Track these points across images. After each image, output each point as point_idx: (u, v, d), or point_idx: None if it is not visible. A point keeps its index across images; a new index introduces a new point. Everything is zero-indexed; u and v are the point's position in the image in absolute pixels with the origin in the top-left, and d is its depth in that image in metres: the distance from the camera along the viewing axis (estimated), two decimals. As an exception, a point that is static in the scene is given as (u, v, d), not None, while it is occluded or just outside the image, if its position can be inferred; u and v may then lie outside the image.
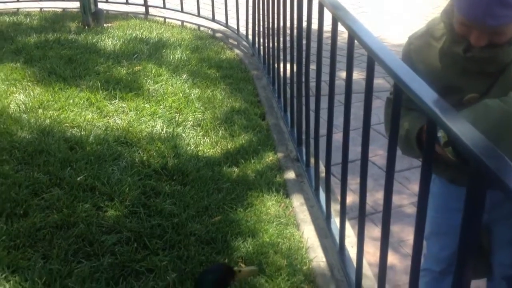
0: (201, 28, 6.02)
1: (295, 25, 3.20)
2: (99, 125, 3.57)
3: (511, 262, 1.91)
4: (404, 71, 1.56)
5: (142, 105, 3.92)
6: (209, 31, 5.93)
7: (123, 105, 3.91)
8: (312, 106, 2.87)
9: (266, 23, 4.23)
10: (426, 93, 1.41)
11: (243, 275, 1.90)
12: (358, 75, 4.31)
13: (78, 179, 2.91)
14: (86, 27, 5.67)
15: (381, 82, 4.54)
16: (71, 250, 2.41)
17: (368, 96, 1.91)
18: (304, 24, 3.10)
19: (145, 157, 3.23)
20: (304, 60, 3.07)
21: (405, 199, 3.20)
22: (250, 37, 5.21)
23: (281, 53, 3.73)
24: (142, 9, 6.50)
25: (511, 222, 1.82)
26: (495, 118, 1.47)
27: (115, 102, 3.93)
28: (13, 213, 2.61)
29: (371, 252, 2.65)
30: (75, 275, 2.26)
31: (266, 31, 4.27)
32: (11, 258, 2.32)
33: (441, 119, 1.29)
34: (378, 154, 3.59)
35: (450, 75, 1.68)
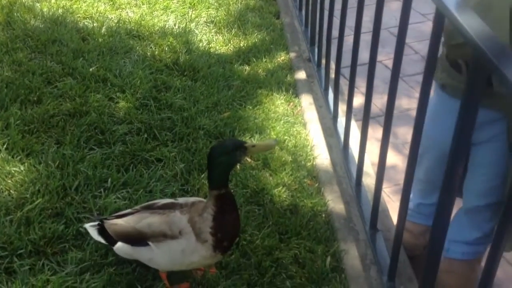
0: None
1: None
2: (111, 17, 3.55)
3: (479, 189, 1.91)
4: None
5: (155, -2, 3.86)
6: None
7: (136, -2, 3.86)
8: (327, 5, 2.81)
9: None
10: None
11: (257, 151, 1.81)
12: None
13: (91, 69, 2.94)
14: None
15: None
16: (83, 137, 2.49)
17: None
18: None
19: (156, 52, 3.24)
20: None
21: (414, 103, 3.19)
22: None
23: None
24: None
25: (491, 146, 1.82)
26: None
27: (128, -5, 3.87)
28: (27, 99, 2.68)
29: (376, 153, 2.69)
30: (87, 160, 2.35)
31: None
32: (25, 142, 2.41)
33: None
34: (391, 58, 3.54)
35: None
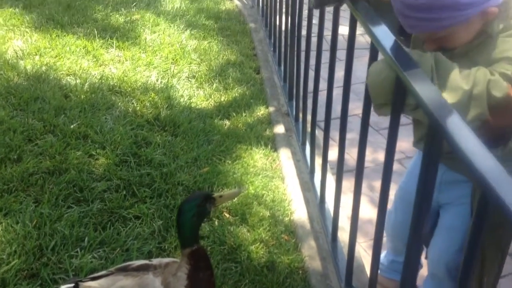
0: (202, -23, 5.95)
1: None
2: (95, 74, 3.62)
3: (439, 254, 1.88)
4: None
5: (138, 54, 3.95)
6: (210, -19, 5.87)
7: (119, 54, 3.95)
8: (312, 61, 2.89)
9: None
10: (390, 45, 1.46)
11: (224, 200, 1.84)
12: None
13: (72, 126, 2.98)
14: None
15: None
16: (62, 195, 2.50)
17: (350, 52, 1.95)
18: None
19: (138, 107, 3.29)
20: (297, 14, 3.06)
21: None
22: (250, -12, 5.17)
23: (278, 6, 3.72)
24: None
25: (455, 209, 1.81)
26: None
27: (111, 51, 3.96)
28: (7, 157, 2.70)
29: (351, 207, 2.73)
30: (64, 219, 2.36)
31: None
32: (4, 201, 2.42)
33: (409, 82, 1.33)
34: (369, 111, 3.62)
35: None
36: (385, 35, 1.56)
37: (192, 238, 1.67)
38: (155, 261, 1.81)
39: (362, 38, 4.60)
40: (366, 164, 3.20)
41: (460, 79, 1.36)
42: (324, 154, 2.41)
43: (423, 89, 1.28)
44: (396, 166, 3.18)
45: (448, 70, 1.38)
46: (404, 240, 1.76)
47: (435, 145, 1.26)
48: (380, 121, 3.46)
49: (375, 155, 3.21)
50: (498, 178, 0.99)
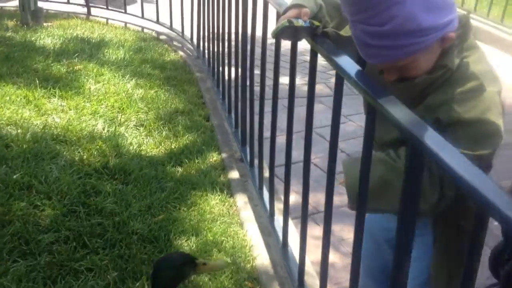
0: (145, 30, 5.94)
1: (240, 30, 3.21)
2: (37, 123, 3.45)
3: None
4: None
5: (83, 104, 3.82)
6: (153, 33, 5.86)
7: (62, 103, 3.80)
8: (256, 109, 2.90)
9: (210, 26, 4.22)
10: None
11: (208, 270, 1.73)
12: (300, 81, 4.39)
13: (14, 176, 2.80)
14: (25, 26, 5.47)
15: (322, 87, 4.63)
16: (6, 248, 2.31)
17: (310, 99, 1.95)
18: (250, 29, 3.10)
19: (85, 156, 3.15)
20: (248, 64, 3.07)
21: (346, 200, 3.25)
22: (195, 39, 5.19)
23: (226, 57, 3.73)
24: (84, 9, 6.35)
25: (418, 240, 1.78)
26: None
27: (54, 101, 3.82)
28: None
29: (312, 251, 2.67)
30: (10, 274, 2.16)
31: (210, 35, 4.27)
32: None
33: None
34: (319, 157, 3.63)
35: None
36: (350, 65, 1.56)
37: None
38: None
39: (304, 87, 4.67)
40: (322, 208, 3.18)
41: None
42: (286, 198, 2.36)
43: (398, 111, 1.27)
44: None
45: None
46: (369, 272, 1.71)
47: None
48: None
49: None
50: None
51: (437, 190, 1.41)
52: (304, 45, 1.95)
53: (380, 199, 1.50)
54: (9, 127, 3.36)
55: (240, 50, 3.26)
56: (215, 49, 4.07)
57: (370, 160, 1.48)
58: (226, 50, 3.72)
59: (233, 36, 3.47)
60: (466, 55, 1.47)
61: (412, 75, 1.45)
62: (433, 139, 1.15)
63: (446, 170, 1.07)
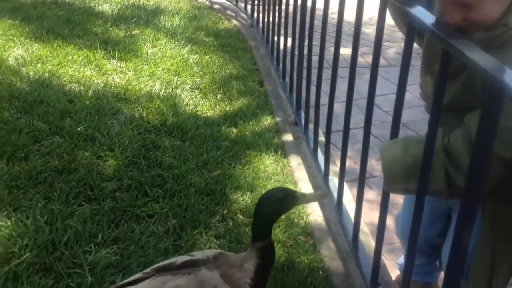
0: (199, -1, 6.01)
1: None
2: (98, 82, 3.57)
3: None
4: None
5: (141, 66, 3.92)
6: (207, 2, 5.92)
7: (121, 65, 3.91)
8: (313, 78, 2.91)
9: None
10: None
11: (307, 201, 1.78)
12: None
13: (78, 129, 2.91)
14: (83, -8, 5.62)
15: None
16: (72, 193, 2.43)
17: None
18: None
19: (144, 114, 3.24)
20: (307, 34, 3.06)
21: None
22: (249, 9, 5.21)
23: (282, 27, 3.74)
24: (139, -22, 6.45)
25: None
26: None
27: (113, 62, 3.93)
28: (14, 156, 2.61)
29: (365, 213, 2.70)
30: (76, 216, 2.28)
31: (265, 3, 4.28)
32: (12, 197, 2.33)
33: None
34: (373, 124, 3.62)
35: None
36: (422, 13, 1.56)
37: (265, 232, 1.60)
38: (199, 255, 1.65)
39: (361, 58, 4.67)
40: (375, 173, 3.18)
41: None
42: (343, 158, 2.37)
43: (475, 55, 1.27)
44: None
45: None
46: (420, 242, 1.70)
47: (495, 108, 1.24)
48: (384, 133, 3.47)
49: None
50: None
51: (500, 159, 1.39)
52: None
53: (410, 179, 1.50)
54: (72, 84, 3.49)
55: (298, 21, 3.26)
56: (270, 18, 4.09)
57: (435, 135, 1.48)
58: (282, 20, 3.73)
59: (290, 7, 3.48)
60: None
61: (476, 19, 1.41)
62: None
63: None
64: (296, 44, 3.30)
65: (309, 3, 3.01)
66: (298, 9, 3.23)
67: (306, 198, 1.68)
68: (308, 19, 2.98)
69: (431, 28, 1.46)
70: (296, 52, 3.29)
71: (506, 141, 1.35)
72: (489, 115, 1.25)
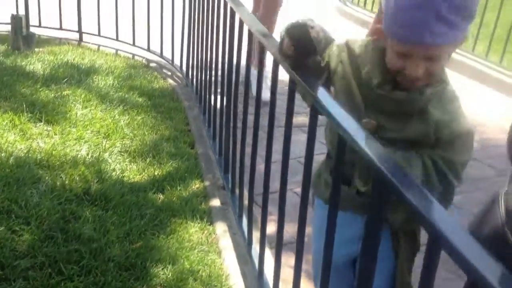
0: (136, 57, 5.99)
1: (226, 60, 3.26)
2: (21, 148, 3.47)
3: None
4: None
5: (69, 129, 3.84)
6: (144, 61, 5.92)
7: (48, 128, 3.82)
8: (240, 136, 2.92)
9: (199, 55, 4.28)
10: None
11: None
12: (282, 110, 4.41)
13: (-6, 201, 2.80)
14: (16, 51, 5.52)
15: (304, 117, 4.66)
16: (-21, 274, 2.30)
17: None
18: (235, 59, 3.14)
19: (67, 181, 3.15)
20: (233, 92, 3.11)
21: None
22: (184, 67, 5.24)
23: (212, 85, 3.77)
24: (76, 36, 6.40)
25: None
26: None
27: (40, 125, 3.84)
28: None
29: (290, 281, 2.67)
30: (-19, 300, 2.16)
31: (199, 63, 4.32)
32: None
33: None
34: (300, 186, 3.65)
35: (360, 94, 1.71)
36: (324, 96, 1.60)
37: None
38: None
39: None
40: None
41: None
42: (263, 227, 2.37)
43: (366, 144, 1.31)
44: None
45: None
46: None
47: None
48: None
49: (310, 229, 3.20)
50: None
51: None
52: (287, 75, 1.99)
53: None
54: (-8, 151, 3.38)
55: (226, 79, 3.30)
56: (203, 77, 4.12)
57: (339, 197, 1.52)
58: (213, 78, 3.77)
59: (220, 65, 3.52)
60: None
61: (435, 71, 1.51)
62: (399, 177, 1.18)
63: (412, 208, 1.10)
64: (225, 105, 3.31)
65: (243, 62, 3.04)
66: (227, 68, 3.26)
67: None
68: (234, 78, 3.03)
69: (331, 115, 1.50)
70: (226, 112, 3.30)
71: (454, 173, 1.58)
72: (378, 205, 1.27)
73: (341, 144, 1.49)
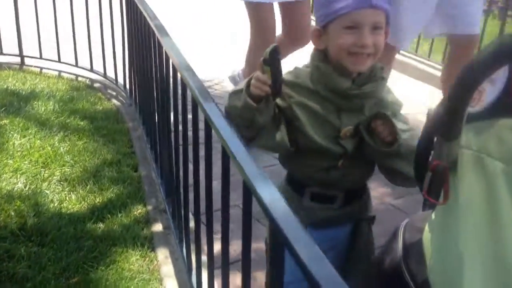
0: (79, 78, 5.86)
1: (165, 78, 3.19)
2: (-47, 186, 3.34)
3: None
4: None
5: (5, 161, 3.72)
6: (87, 81, 5.80)
7: (-17, 162, 3.70)
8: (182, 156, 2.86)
9: (140, 73, 4.21)
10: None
11: None
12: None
13: None
14: (-47, 79, 5.35)
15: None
16: None
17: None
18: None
19: (1, 218, 3.05)
20: (172, 113, 3.04)
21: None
22: (128, 87, 5.15)
23: (155, 104, 3.70)
24: (17, 60, 6.23)
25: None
26: None
27: (-26, 160, 3.71)
28: None
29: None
30: None
31: (141, 82, 4.24)
32: None
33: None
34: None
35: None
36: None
37: None
38: None
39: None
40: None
41: None
42: (197, 251, 2.32)
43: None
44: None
45: None
46: None
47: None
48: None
49: (257, 245, 3.17)
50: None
51: None
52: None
53: None
54: None
55: (165, 99, 3.24)
56: (145, 97, 4.04)
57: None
58: (154, 97, 3.69)
59: (158, 84, 3.45)
60: None
61: (378, 43, 1.66)
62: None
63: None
64: (167, 123, 3.24)
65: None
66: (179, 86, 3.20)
67: None
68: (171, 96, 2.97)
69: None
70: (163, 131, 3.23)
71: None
72: (276, 259, 1.24)
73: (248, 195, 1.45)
